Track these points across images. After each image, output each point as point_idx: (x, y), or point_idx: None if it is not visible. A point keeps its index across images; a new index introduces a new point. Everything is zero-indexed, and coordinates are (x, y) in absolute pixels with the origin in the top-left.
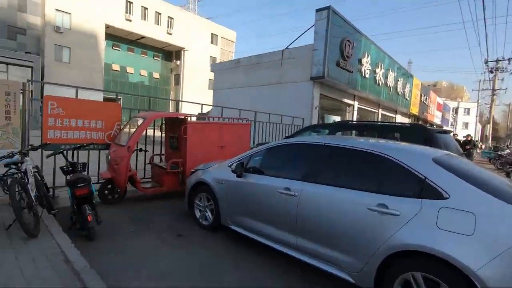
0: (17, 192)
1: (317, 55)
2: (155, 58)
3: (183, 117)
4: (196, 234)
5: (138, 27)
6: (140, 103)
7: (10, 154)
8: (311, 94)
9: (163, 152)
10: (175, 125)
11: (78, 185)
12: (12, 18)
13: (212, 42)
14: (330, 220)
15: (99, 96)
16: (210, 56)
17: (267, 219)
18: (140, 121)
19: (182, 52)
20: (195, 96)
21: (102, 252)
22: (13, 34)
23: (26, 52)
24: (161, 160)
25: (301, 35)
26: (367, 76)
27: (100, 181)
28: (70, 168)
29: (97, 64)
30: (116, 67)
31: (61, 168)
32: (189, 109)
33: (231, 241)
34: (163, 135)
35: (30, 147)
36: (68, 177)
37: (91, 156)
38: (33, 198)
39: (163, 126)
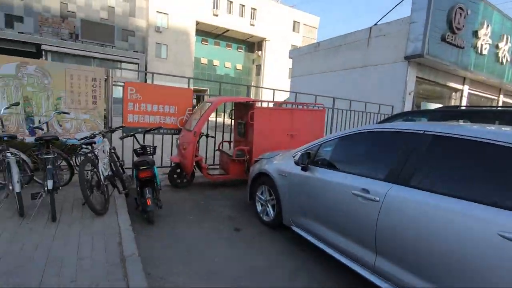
0: (88, 171)
1: (415, 29)
2: (238, 50)
3: (251, 102)
4: (254, 230)
5: (224, 21)
6: (225, 94)
7: (92, 135)
8: (405, 77)
9: (232, 139)
10: (244, 111)
11: (141, 168)
12: (125, 23)
13: (293, 30)
14: (445, 246)
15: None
16: (292, 45)
17: (336, 226)
18: (207, 106)
19: (264, 42)
20: (275, 86)
21: (157, 238)
22: (126, 36)
23: (134, 51)
24: (230, 147)
25: (395, 6)
26: (484, 52)
27: (171, 165)
28: (141, 151)
29: (188, 59)
30: (204, 60)
31: (134, 150)
32: (268, 98)
33: (294, 243)
34: (233, 121)
35: (108, 129)
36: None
37: (166, 141)
38: (102, 178)
39: (233, 112)
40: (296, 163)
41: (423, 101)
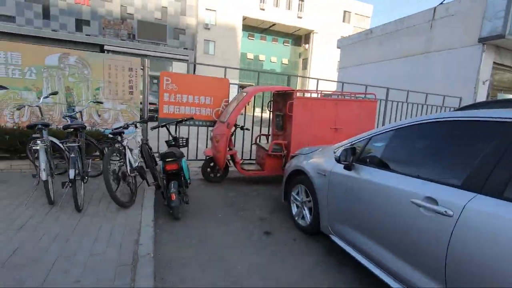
0: (116, 162)
1: (494, 4)
2: (284, 44)
3: (290, 91)
4: (287, 235)
5: (271, 15)
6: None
7: (125, 126)
8: (478, 63)
9: (270, 133)
10: (283, 102)
11: (167, 160)
12: (176, 22)
13: (344, 21)
14: None
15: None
16: (341, 36)
17: (387, 242)
18: (243, 96)
19: (311, 35)
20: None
21: (180, 236)
22: (177, 35)
23: (184, 48)
24: (267, 141)
25: None
26: None
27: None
28: (172, 142)
29: (235, 54)
30: (250, 55)
31: (166, 142)
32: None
33: (332, 255)
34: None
35: (141, 119)
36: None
37: (203, 133)
38: (129, 169)
39: (271, 104)
40: (338, 160)
41: (501, 92)
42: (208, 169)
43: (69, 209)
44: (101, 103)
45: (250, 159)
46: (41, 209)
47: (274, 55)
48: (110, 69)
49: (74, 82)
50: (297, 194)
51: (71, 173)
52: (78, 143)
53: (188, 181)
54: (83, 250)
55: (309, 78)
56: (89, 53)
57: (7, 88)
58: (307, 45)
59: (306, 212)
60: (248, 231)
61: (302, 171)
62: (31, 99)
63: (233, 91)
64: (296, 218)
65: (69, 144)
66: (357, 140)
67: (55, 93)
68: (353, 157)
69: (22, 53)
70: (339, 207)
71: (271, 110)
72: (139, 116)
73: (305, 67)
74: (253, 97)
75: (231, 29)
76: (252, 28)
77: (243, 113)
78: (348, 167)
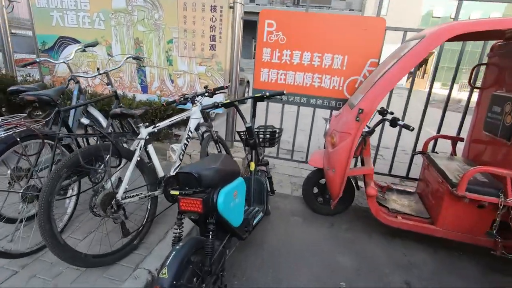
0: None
1: None
2: None
3: None
4: None
5: None
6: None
7: (193, 95)
8: None
9: (462, 135)
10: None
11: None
12: None
13: None
14: None
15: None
16: None
17: None
18: (409, 48)
19: None
20: None
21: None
22: None
23: (350, 10)
24: (454, 152)
25: None
26: None
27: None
28: (246, 137)
29: (414, 15)
30: (438, 13)
31: (238, 132)
32: None
33: None
34: (474, 94)
35: (205, 90)
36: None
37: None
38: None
39: (477, 71)
40: None
41: None
42: (315, 189)
43: None
44: (140, 59)
45: (405, 178)
46: None
47: (483, 10)
48: (186, 10)
49: (143, 32)
50: None
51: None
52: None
53: (244, 231)
54: None
55: None
56: None
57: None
58: None
59: None
60: None
61: None
62: (101, 56)
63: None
64: None
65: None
66: None
67: (94, 44)
68: None
69: None
70: None
71: (476, 85)
72: (228, 84)
73: None
74: (433, 55)
75: None
76: None
77: (400, 86)
78: None
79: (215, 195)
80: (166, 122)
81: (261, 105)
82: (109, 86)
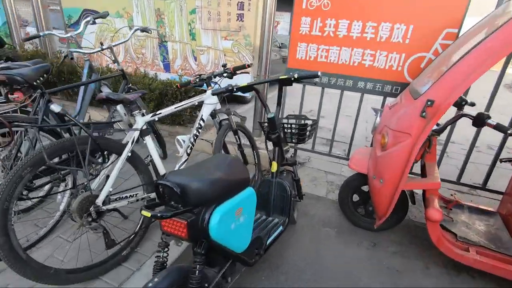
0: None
1: None
2: None
3: None
4: None
5: None
6: None
7: (196, 80)
8: None
9: None
10: None
11: (153, 211)
12: None
13: None
14: None
15: None
16: None
17: None
18: (502, 20)
19: None
20: None
21: None
22: None
23: None
24: None
25: None
26: None
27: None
28: (272, 133)
29: None
30: None
31: (260, 123)
32: None
33: None
34: None
35: (225, 70)
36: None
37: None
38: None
39: None
40: None
41: None
42: (356, 197)
43: None
44: (148, 31)
45: (476, 189)
46: None
47: None
48: None
49: (165, 2)
50: None
51: None
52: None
53: (278, 226)
54: None
55: None
56: None
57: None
58: None
59: None
60: None
61: None
62: (124, 30)
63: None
64: None
65: None
66: None
67: (104, 16)
68: None
69: None
70: None
71: None
72: (250, 61)
73: None
74: None
75: None
76: None
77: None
78: None
79: (206, 216)
80: (171, 109)
81: (297, 86)
82: (116, 63)
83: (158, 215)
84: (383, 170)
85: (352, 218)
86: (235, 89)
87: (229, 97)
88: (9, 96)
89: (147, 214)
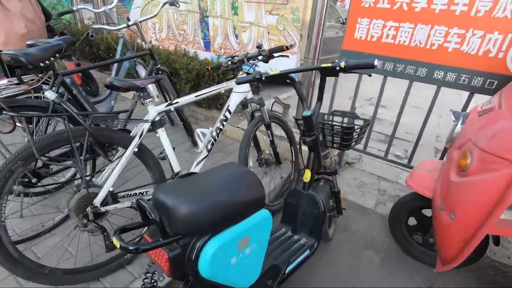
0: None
1: None
2: None
3: None
4: None
5: None
6: None
7: (228, 62)
8: None
9: None
10: None
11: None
12: None
13: None
14: None
15: None
16: None
17: None
18: None
19: None
20: None
21: None
22: None
23: None
24: None
25: None
26: None
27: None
28: (303, 130)
29: None
30: None
31: (296, 120)
32: None
33: None
34: None
35: (260, 50)
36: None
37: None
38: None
39: None
40: None
41: None
42: (412, 222)
43: None
44: (176, 4)
45: None
46: None
47: None
48: None
49: None
50: None
51: None
52: None
53: (304, 250)
54: None
55: None
56: None
57: None
58: None
59: None
60: None
61: None
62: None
63: None
64: None
65: None
66: None
67: None
68: None
69: None
70: None
71: None
72: (296, 41)
73: None
74: None
75: None
76: None
77: None
78: None
79: (195, 249)
80: (191, 97)
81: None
82: (143, 42)
83: (129, 248)
84: (458, 203)
85: (405, 245)
86: (263, 78)
87: (275, 79)
88: (21, 77)
89: (117, 244)
